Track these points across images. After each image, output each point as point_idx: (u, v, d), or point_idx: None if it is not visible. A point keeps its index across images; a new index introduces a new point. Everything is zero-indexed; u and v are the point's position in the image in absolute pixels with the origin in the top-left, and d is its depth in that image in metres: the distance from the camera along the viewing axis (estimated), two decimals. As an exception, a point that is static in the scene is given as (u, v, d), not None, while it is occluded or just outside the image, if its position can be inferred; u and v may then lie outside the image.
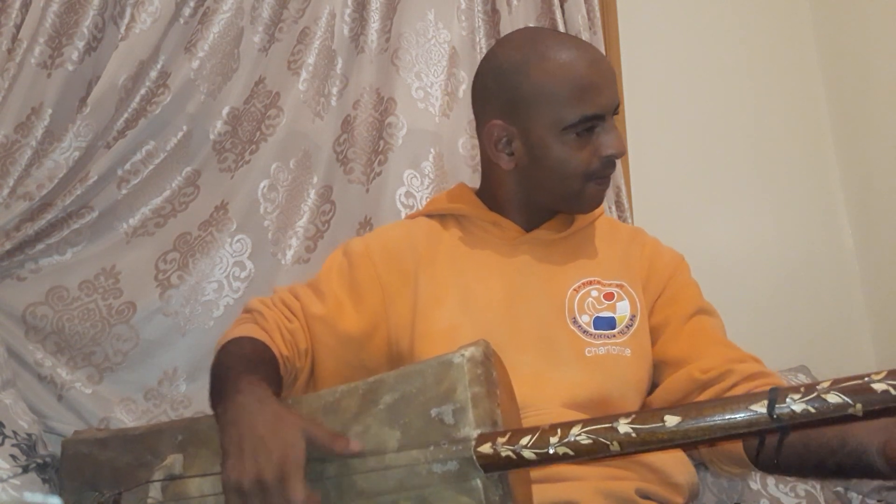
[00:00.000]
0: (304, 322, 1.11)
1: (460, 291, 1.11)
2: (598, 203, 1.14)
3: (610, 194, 1.74)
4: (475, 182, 1.64)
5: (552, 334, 1.07)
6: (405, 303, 1.11)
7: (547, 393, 1.01)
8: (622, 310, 1.10)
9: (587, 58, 1.07)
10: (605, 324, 1.09)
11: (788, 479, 1.45)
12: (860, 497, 1.54)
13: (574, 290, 1.11)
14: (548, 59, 1.06)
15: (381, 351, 1.11)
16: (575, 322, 1.09)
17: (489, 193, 1.19)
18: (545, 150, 1.07)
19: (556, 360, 1.06)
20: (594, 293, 1.11)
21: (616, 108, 1.09)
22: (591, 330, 1.08)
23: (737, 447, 0.98)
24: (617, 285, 1.13)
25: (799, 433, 0.86)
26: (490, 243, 1.15)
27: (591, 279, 1.13)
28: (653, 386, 1.11)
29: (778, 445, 0.74)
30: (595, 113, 1.06)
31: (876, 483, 1.48)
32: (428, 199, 1.59)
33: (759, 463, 0.96)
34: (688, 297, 1.14)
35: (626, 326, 1.09)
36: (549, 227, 1.17)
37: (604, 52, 1.78)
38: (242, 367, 0.94)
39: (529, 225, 1.17)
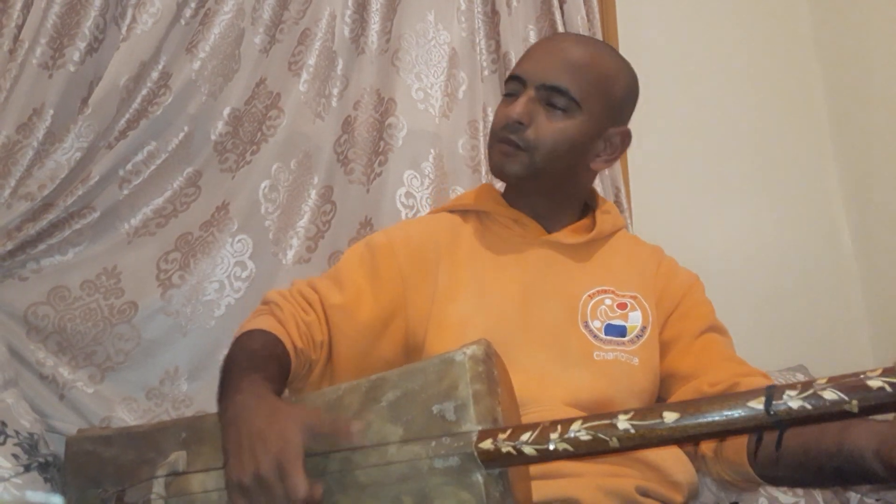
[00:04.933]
0: (322, 314, 1.11)
1: (476, 286, 1.11)
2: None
3: (609, 194, 1.74)
4: (475, 183, 1.64)
5: (563, 335, 1.08)
6: (425, 295, 1.11)
7: (552, 391, 1.02)
8: (634, 320, 1.11)
9: None
10: (616, 331, 1.10)
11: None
12: (858, 497, 1.55)
13: (589, 295, 1.12)
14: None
15: (398, 342, 1.11)
16: (586, 326, 1.09)
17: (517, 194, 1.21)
18: None
19: (565, 360, 1.06)
20: (608, 301, 1.12)
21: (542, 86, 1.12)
22: (602, 335, 1.09)
23: (740, 457, 0.98)
24: (631, 296, 1.13)
25: (798, 439, 0.86)
26: (511, 241, 1.16)
27: (607, 288, 1.14)
28: (661, 400, 1.11)
29: (777, 443, 0.74)
30: None
31: (873, 481, 1.49)
32: (428, 200, 1.60)
33: (757, 466, 0.96)
34: (700, 314, 1.15)
35: (637, 336, 1.10)
36: (570, 231, 1.18)
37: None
38: (247, 364, 0.94)
39: (552, 227, 1.18)
